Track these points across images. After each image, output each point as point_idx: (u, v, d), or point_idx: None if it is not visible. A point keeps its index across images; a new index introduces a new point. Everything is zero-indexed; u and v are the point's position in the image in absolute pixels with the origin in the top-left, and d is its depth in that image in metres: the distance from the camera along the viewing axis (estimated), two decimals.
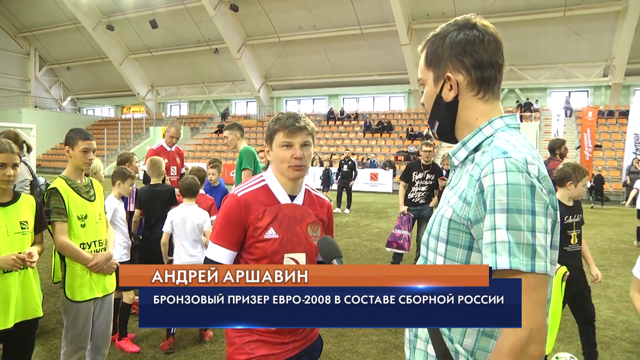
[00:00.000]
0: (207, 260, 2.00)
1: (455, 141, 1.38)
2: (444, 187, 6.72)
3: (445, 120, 1.35)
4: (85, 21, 34.06)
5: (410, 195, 6.95)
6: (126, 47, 37.08)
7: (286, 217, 2.00)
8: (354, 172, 14.78)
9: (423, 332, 1.31)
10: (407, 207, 6.93)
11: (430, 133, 1.45)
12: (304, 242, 2.02)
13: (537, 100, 26.96)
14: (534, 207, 1.11)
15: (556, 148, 6.80)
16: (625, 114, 22.82)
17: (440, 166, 7.34)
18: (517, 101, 27.09)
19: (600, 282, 4.15)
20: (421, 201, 6.90)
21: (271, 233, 1.96)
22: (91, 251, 3.08)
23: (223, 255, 1.97)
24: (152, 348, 4.32)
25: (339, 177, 14.85)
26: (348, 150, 16.69)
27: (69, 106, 44.39)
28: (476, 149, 1.29)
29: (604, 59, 25.55)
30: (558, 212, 1.18)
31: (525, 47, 24.72)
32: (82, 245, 3.05)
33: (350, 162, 14.61)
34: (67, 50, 39.56)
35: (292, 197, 2.06)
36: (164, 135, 6.66)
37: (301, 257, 2.01)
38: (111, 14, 34.06)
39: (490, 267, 1.11)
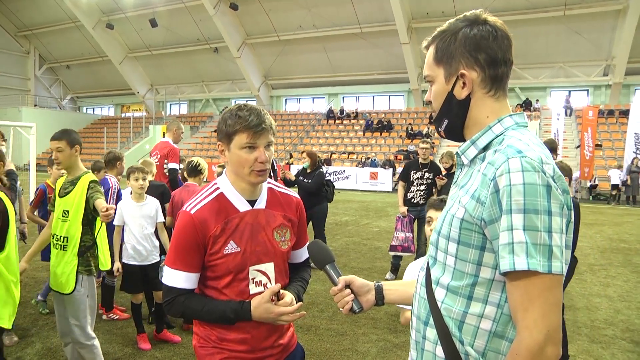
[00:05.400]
0: (169, 289, 1.77)
1: (462, 140, 1.35)
2: (442, 187, 6.71)
3: (455, 118, 1.32)
4: (84, 20, 34.01)
5: (409, 196, 6.88)
6: (126, 46, 37.03)
7: (248, 226, 1.80)
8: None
9: (432, 333, 1.29)
10: (406, 207, 6.88)
11: (435, 131, 1.38)
12: (270, 251, 1.84)
13: (537, 100, 26.98)
14: (550, 207, 1.09)
15: (555, 148, 6.87)
16: (625, 113, 22.82)
17: (439, 164, 7.26)
18: (520, 104, 27.07)
19: None
20: (421, 201, 6.81)
21: (232, 247, 1.76)
22: (52, 242, 3.34)
23: (182, 279, 1.76)
24: (153, 346, 4.33)
25: None
26: None
27: (68, 105, 44.33)
28: (485, 148, 1.27)
29: (604, 58, 25.54)
30: (572, 211, 1.17)
31: (525, 46, 24.68)
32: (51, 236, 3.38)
33: None
34: (67, 49, 39.51)
35: (253, 202, 1.84)
36: (164, 135, 6.63)
37: (269, 267, 1.84)
38: (111, 13, 34.00)
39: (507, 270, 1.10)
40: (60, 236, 3.26)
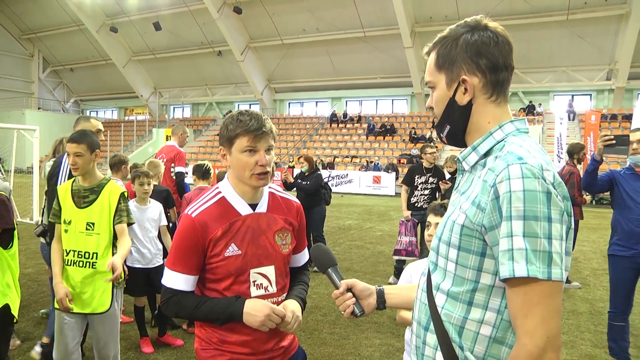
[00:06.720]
0: (166, 290, 1.81)
1: (464, 145, 1.35)
2: (445, 191, 6.69)
3: (457, 124, 1.33)
4: (88, 23, 34.21)
5: (413, 200, 6.88)
6: (129, 49, 37.20)
7: (249, 229, 1.83)
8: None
9: (432, 339, 1.29)
10: (410, 212, 6.87)
11: (436, 137, 1.38)
12: (271, 254, 1.86)
13: (540, 104, 26.96)
14: (550, 214, 1.10)
15: (575, 153, 6.71)
16: (628, 117, 22.76)
17: (443, 169, 7.28)
18: (523, 108, 27.08)
19: None
20: (424, 205, 6.78)
21: (233, 250, 1.79)
22: (69, 260, 2.92)
23: (182, 281, 1.79)
24: (156, 349, 4.33)
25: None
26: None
27: (72, 108, 44.49)
28: (487, 154, 1.28)
29: (607, 62, 25.53)
30: (572, 218, 1.17)
31: (528, 51, 24.71)
32: (65, 252, 2.95)
33: None
34: (70, 52, 39.72)
35: (254, 206, 1.87)
36: (168, 138, 6.69)
37: (269, 270, 1.86)
38: (114, 16, 34.18)
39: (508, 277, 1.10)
40: (85, 252, 2.90)
